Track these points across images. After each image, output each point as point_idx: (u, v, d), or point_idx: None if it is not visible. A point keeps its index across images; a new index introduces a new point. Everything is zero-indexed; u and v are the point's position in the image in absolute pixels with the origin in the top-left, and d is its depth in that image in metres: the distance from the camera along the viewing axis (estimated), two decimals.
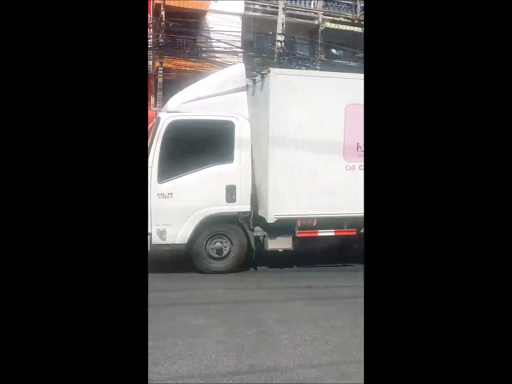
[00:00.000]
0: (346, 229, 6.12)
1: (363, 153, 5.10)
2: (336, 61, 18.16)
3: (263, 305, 4.71)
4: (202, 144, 5.74)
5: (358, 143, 5.85)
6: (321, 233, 6.07)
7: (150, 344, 2.98)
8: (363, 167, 5.66)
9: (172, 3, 14.60)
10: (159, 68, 14.83)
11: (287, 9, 15.92)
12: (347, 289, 5.29)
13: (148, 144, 5.43)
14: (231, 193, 5.78)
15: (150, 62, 13.88)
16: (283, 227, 6.01)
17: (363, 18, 18.70)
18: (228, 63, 12.26)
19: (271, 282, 5.66)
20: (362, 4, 18.85)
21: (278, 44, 15.13)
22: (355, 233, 6.08)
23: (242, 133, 5.82)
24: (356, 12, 18.75)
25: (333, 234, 6.14)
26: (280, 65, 14.96)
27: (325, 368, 3.27)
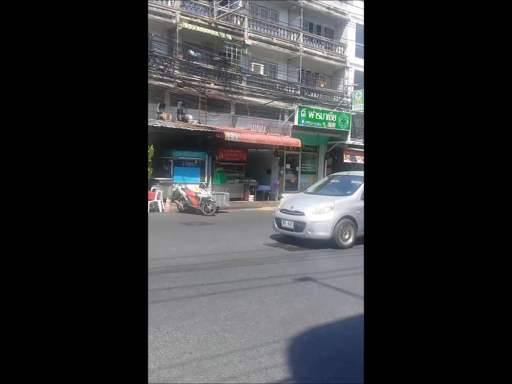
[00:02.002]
0: None
1: None
2: (194, 62, 18.35)
3: None
4: None
5: None
6: None
7: None
8: None
9: None
10: None
11: None
12: (207, 286, 5.41)
13: None
14: None
15: None
16: None
17: (219, 22, 19.23)
18: None
19: None
20: (219, 8, 19.37)
21: None
22: None
23: None
24: (213, 15, 19.16)
25: None
26: None
27: (185, 366, 3.32)
